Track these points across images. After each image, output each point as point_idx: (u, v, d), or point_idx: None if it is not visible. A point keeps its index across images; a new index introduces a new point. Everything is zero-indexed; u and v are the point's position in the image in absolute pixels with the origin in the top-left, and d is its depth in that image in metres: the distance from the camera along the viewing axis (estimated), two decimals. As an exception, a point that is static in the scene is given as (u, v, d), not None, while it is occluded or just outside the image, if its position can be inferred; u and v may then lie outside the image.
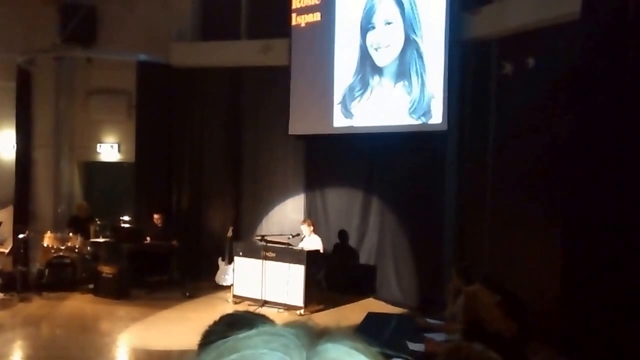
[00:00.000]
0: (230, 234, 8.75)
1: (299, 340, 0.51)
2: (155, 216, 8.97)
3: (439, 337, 4.40)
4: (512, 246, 6.61)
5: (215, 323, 1.38)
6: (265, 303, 7.51)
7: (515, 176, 6.65)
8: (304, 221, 8.52)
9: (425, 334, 4.44)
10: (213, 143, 9.69)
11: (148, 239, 8.79)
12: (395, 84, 8.01)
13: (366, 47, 8.29)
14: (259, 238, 8.07)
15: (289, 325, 0.55)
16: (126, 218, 9.28)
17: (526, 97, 6.61)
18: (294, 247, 7.79)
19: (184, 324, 6.73)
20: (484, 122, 7.25)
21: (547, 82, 6.31)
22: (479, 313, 3.61)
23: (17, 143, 9.61)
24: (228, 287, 8.28)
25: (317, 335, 0.52)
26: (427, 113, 7.65)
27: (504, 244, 6.78)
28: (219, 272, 8.64)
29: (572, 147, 5.60)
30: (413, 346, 4.23)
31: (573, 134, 5.60)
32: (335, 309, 7.68)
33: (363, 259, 8.72)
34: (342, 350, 0.51)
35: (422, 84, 7.68)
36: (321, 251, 8.17)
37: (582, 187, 5.36)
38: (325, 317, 7.27)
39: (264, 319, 1.27)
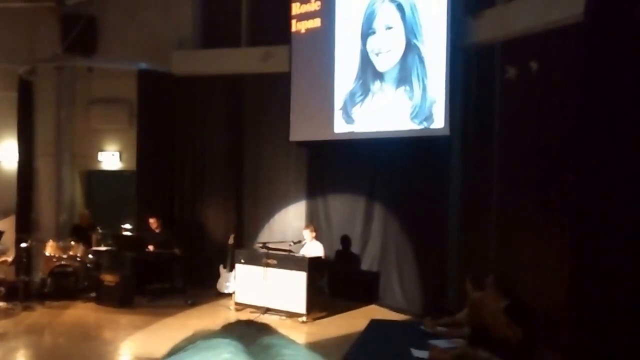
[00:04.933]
0: (231, 241, 8.71)
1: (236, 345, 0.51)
2: (151, 220, 8.93)
3: (443, 343, 4.34)
4: (518, 252, 6.54)
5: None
6: (267, 310, 7.47)
7: (520, 181, 6.60)
8: (307, 226, 8.48)
9: (430, 341, 4.40)
10: (214, 150, 9.67)
11: (151, 247, 8.77)
12: (396, 89, 7.98)
13: (367, 53, 8.27)
14: (261, 245, 8.04)
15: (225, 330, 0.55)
16: (128, 226, 9.25)
17: (530, 101, 6.56)
18: (296, 254, 7.74)
19: (186, 331, 6.52)
20: (488, 127, 7.20)
21: (551, 85, 6.27)
22: (484, 319, 3.57)
23: (18, 152, 9.61)
24: (230, 295, 8.24)
25: (255, 333, 0.53)
26: (428, 118, 7.62)
27: (509, 250, 6.71)
28: (220, 280, 8.60)
29: (578, 151, 5.56)
30: (417, 353, 4.19)
31: (578, 138, 5.56)
32: (338, 315, 7.62)
33: (366, 265, 8.66)
34: (280, 340, 0.52)
35: (424, 89, 7.65)
36: (322, 257, 8.13)
37: (589, 191, 5.31)
38: (327, 324, 7.23)
39: (266, 329, 1.23)
